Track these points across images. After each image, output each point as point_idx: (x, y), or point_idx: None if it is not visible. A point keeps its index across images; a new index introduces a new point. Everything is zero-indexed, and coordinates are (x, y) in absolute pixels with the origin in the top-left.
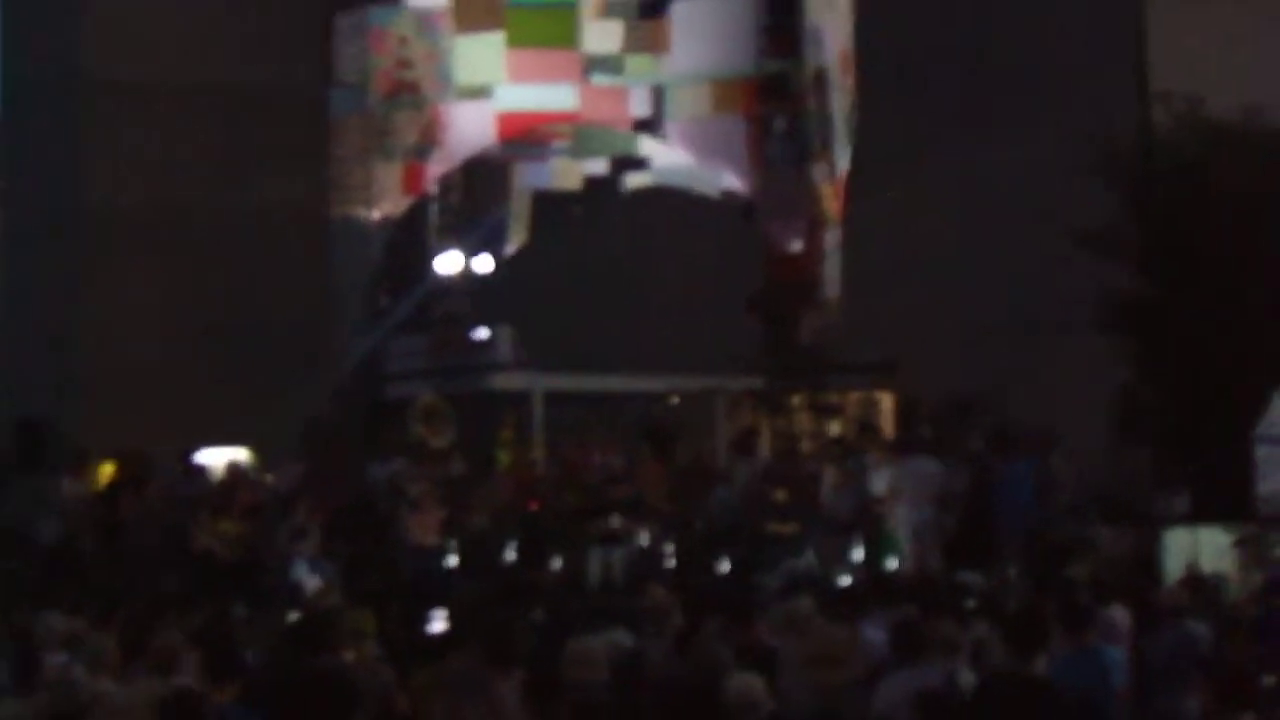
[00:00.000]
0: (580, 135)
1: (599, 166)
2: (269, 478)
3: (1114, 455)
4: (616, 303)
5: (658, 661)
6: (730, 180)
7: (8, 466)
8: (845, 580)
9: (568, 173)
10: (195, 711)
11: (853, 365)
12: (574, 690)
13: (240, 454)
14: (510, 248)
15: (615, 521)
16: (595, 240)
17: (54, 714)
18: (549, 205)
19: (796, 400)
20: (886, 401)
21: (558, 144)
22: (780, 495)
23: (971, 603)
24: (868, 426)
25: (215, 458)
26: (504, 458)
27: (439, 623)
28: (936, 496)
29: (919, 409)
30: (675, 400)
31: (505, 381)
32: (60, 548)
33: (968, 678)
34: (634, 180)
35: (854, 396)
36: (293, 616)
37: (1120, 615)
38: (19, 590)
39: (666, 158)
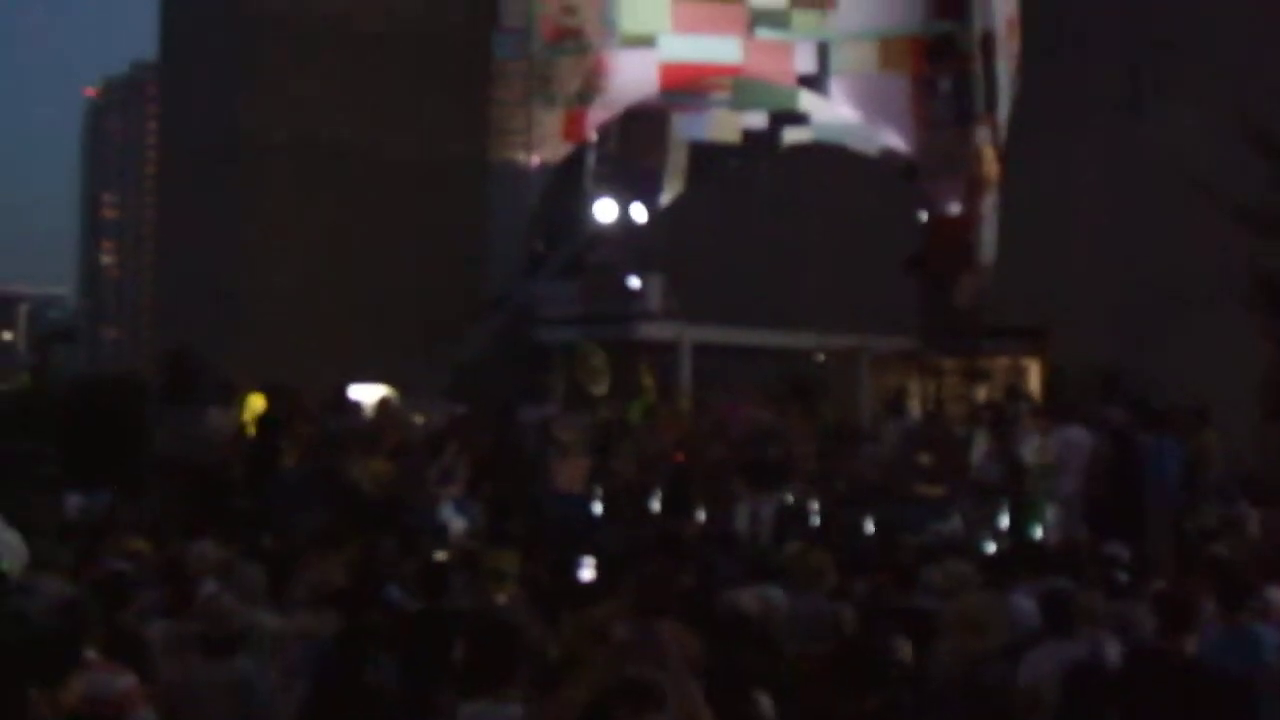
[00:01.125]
0: (739, 87)
1: (758, 120)
2: (417, 418)
3: (1260, 434)
4: (768, 257)
5: (811, 618)
6: (890, 139)
7: (158, 396)
8: (990, 546)
9: (726, 124)
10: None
11: (1004, 330)
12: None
13: (387, 392)
14: (665, 198)
15: (764, 476)
16: (750, 194)
17: (206, 640)
18: (705, 156)
19: (947, 363)
20: (1033, 369)
21: (716, 95)
22: (926, 458)
23: (1123, 576)
24: (1020, 393)
25: (367, 395)
26: (641, 405)
27: (587, 570)
28: (1085, 466)
29: (1067, 378)
30: (821, 357)
31: (653, 331)
32: (210, 477)
33: (1115, 651)
34: (792, 135)
35: (1001, 362)
36: (439, 556)
37: (1277, 595)
38: (170, 519)
39: (826, 114)
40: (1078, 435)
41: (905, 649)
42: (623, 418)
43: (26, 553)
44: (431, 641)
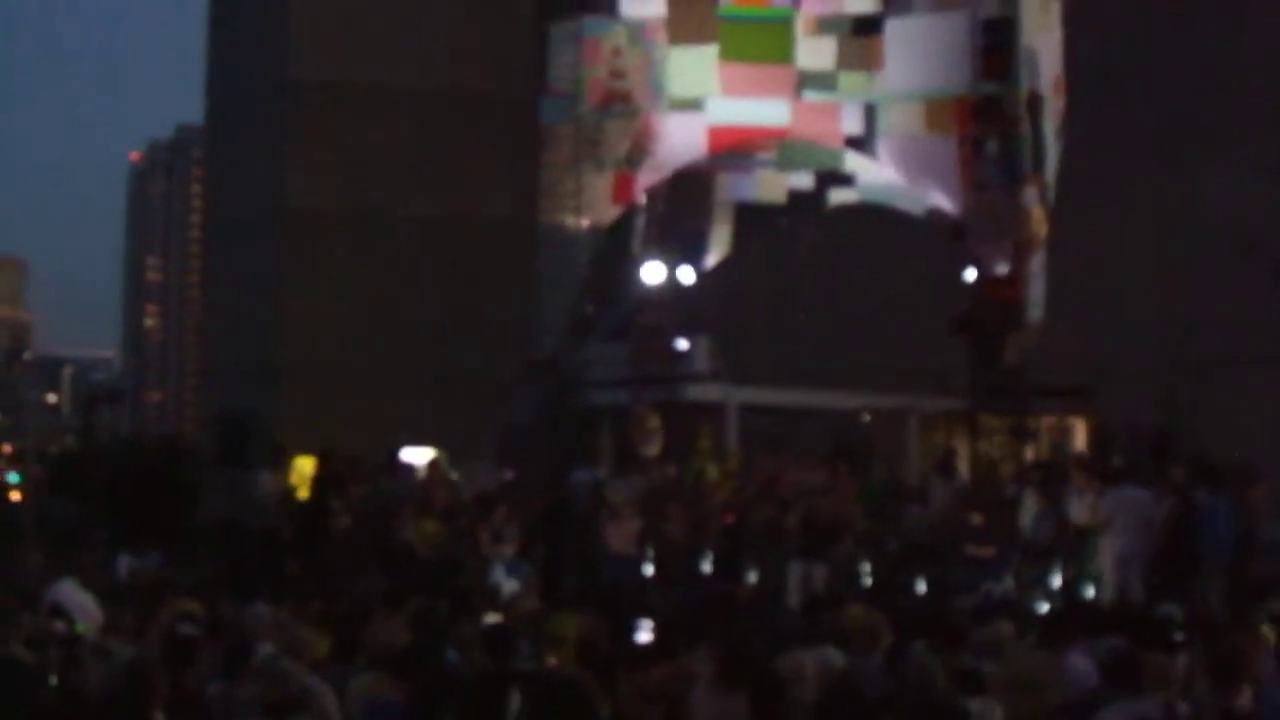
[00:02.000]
0: (785, 148)
1: (804, 180)
2: (454, 476)
3: None
4: (814, 317)
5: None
6: (937, 199)
7: (209, 459)
8: (1043, 606)
9: (772, 185)
10: None
11: (1052, 389)
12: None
13: (433, 454)
14: (711, 259)
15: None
16: (796, 254)
17: (264, 704)
18: (752, 217)
19: (994, 422)
20: (1079, 428)
21: (762, 156)
22: (977, 518)
23: (1180, 636)
24: (1073, 452)
25: (417, 457)
26: (707, 470)
27: (645, 633)
28: (1143, 525)
29: (1117, 437)
30: (867, 417)
31: (701, 393)
32: (262, 539)
33: (1184, 711)
34: (838, 196)
35: (1048, 421)
36: (491, 618)
37: None
38: (224, 581)
39: (872, 174)
40: (1135, 494)
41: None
42: (682, 479)
43: (100, 615)
44: (496, 704)
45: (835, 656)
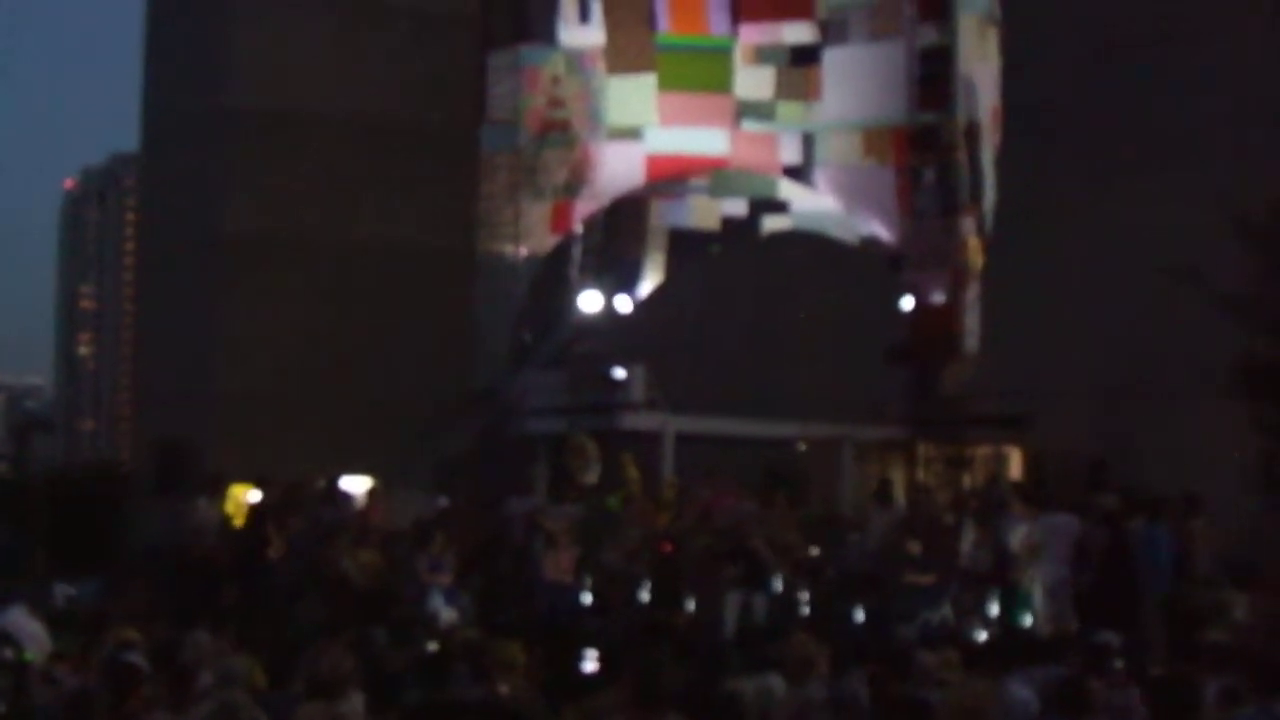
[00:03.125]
0: (719, 175)
1: (737, 207)
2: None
3: (1252, 520)
4: (751, 346)
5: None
6: (874, 228)
7: (146, 487)
8: (981, 634)
9: (706, 212)
10: None
11: (988, 418)
12: None
13: (370, 483)
14: (647, 287)
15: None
16: (731, 282)
17: None
18: (686, 244)
19: (932, 451)
20: (1015, 456)
21: (696, 182)
22: (915, 546)
23: (1119, 663)
24: (1007, 481)
25: (355, 486)
26: (622, 496)
27: (591, 661)
28: (1071, 554)
29: (1050, 465)
30: (803, 446)
31: (637, 421)
32: (200, 568)
33: None
34: (772, 223)
35: (983, 450)
36: (430, 646)
37: None
38: (160, 609)
39: (806, 201)
40: (1064, 522)
41: None
42: (604, 508)
43: (49, 643)
44: None
45: (776, 684)
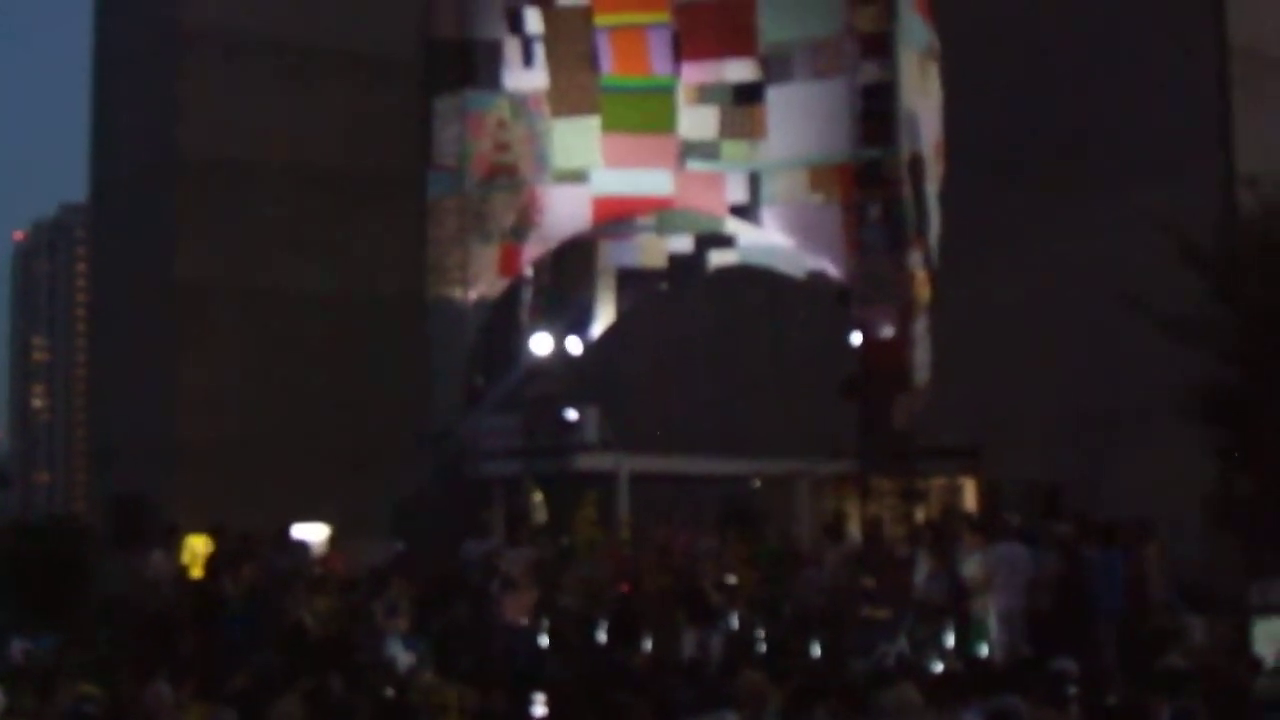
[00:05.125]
0: (664, 213)
1: (684, 244)
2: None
3: (1205, 545)
4: (703, 384)
5: None
6: (819, 262)
7: (103, 540)
8: (937, 666)
9: (652, 250)
10: None
11: (940, 450)
12: None
13: (329, 530)
14: (598, 328)
15: (710, 603)
16: (681, 320)
17: None
18: (634, 283)
19: (884, 484)
20: (969, 487)
21: (643, 221)
22: (870, 580)
23: (1073, 690)
24: (959, 512)
25: (310, 534)
26: (587, 536)
27: (539, 706)
28: (1027, 583)
29: (1004, 495)
30: (757, 483)
31: (592, 462)
32: (157, 620)
33: None
34: (718, 258)
35: (938, 482)
36: (387, 693)
37: None
38: (118, 661)
39: (752, 236)
40: (1015, 551)
41: None
42: (561, 550)
43: (4, 700)
44: None
45: None
